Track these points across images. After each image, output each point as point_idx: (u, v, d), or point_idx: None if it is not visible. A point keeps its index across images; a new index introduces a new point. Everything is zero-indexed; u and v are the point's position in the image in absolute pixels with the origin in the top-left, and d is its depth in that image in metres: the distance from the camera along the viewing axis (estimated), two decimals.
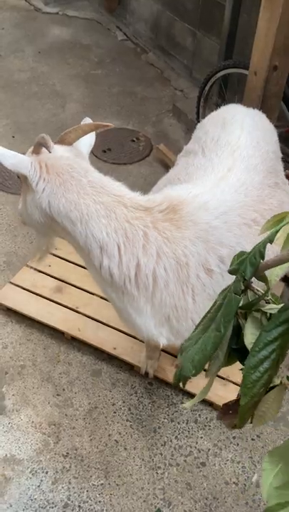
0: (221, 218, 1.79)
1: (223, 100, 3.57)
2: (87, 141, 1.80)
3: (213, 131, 2.19)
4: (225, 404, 0.89)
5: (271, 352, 0.78)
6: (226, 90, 3.61)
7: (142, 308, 1.76)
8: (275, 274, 0.88)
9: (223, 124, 2.20)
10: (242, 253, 0.85)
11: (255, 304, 0.87)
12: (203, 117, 2.82)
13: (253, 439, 2.29)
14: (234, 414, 0.88)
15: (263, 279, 0.88)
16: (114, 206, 1.65)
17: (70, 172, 1.65)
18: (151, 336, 1.85)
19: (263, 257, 0.83)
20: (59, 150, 1.70)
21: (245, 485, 2.14)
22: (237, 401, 0.87)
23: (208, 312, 0.88)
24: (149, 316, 1.78)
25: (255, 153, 2.05)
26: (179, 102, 4.32)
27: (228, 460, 2.21)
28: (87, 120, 1.85)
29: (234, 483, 2.15)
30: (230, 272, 0.86)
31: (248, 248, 0.86)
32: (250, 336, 0.85)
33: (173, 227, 1.70)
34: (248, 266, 0.83)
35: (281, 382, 0.84)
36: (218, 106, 3.17)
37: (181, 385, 0.93)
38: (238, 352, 0.88)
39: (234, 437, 2.29)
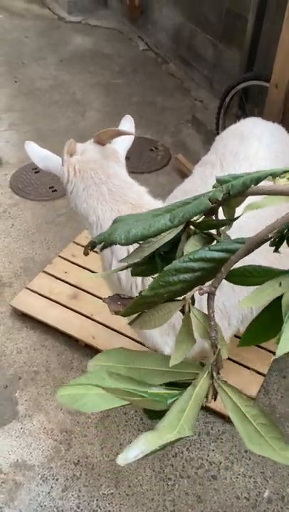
0: (236, 233, 1.78)
1: (243, 112, 3.58)
2: (125, 140, 1.84)
3: (231, 144, 2.20)
4: (117, 294, 0.84)
5: (200, 269, 0.75)
6: (247, 102, 3.62)
7: None
8: (253, 207, 0.87)
9: (241, 137, 2.21)
10: (239, 175, 0.81)
11: (214, 226, 0.83)
12: (223, 128, 2.83)
13: None
14: (122, 306, 0.83)
15: (230, 207, 0.84)
16: None
17: (92, 178, 1.70)
18: (156, 345, 1.86)
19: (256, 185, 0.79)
20: (91, 151, 1.74)
21: (256, 500, 2.12)
22: (130, 298, 0.83)
23: (169, 205, 0.83)
24: None
25: (273, 167, 2.05)
26: (199, 113, 4.34)
27: (239, 474, 2.19)
28: (128, 117, 1.91)
29: (245, 498, 2.12)
30: (218, 181, 0.82)
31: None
32: (189, 247, 0.81)
33: None
34: (240, 183, 0.79)
35: (184, 308, 0.80)
36: (238, 117, 3.18)
37: (88, 250, 0.89)
38: (163, 260, 0.83)
39: (246, 451, 2.26)
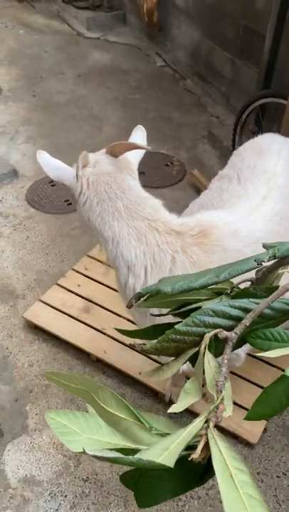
0: (252, 247, 1.76)
1: (259, 128, 3.57)
2: (138, 151, 1.80)
3: (249, 158, 2.18)
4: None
5: (236, 318, 0.77)
6: (263, 119, 3.61)
7: None
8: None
9: (259, 152, 2.19)
10: (286, 242, 0.84)
11: (251, 295, 0.85)
12: (239, 145, 2.82)
13: (278, 476, 2.21)
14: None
15: (269, 277, 0.86)
16: (146, 231, 1.66)
17: (107, 192, 1.67)
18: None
19: None
20: (104, 163, 1.71)
21: None
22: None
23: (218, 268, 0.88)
24: None
25: None
26: (215, 129, 4.35)
27: None
28: (140, 127, 1.88)
29: None
30: (264, 246, 0.84)
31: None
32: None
33: (201, 252, 1.69)
34: (286, 248, 0.81)
35: (199, 350, 0.79)
36: (254, 134, 3.17)
37: (133, 302, 0.91)
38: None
39: (258, 473, 2.21)
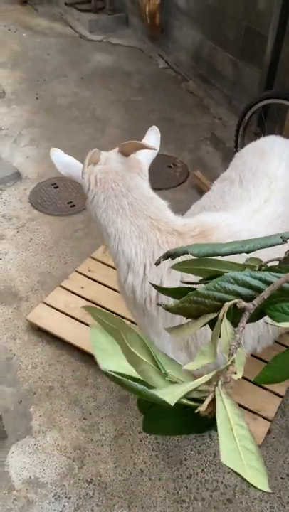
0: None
1: (262, 130, 3.57)
2: (149, 151, 1.81)
3: (251, 161, 2.18)
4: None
5: (255, 288, 0.82)
6: (266, 120, 3.61)
7: (160, 331, 1.77)
8: None
9: (261, 154, 2.19)
10: None
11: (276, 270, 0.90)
12: (242, 146, 2.82)
13: (282, 478, 2.20)
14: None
15: None
16: (148, 230, 1.68)
17: (113, 189, 1.69)
18: None
19: None
20: (114, 161, 1.73)
21: None
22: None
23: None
24: (167, 340, 1.79)
25: None
26: (218, 130, 4.35)
27: (255, 498, 2.14)
28: (154, 129, 1.89)
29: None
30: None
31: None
32: None
33: None
34: None
35: (218, 317, 0.84)
36: (257, 135, 3.18)
37: (160, 260, 0.99)
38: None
39: None
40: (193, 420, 0.76)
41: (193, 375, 0.80)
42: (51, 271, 3.12)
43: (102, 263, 2.99)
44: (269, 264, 0.92)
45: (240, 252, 0.91)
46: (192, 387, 0.71)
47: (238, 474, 0.62)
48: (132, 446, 2.28)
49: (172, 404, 0.67)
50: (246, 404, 2.25)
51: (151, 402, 0.76)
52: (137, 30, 6.01)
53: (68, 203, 3.64)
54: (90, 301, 2.79)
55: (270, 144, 2.27)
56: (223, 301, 0.83)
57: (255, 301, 0.80)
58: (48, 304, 2.76)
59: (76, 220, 3.51)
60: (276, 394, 2.39)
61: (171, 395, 0.69)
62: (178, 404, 0.73)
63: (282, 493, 2.16)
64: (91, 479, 2.17)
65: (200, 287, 0.83)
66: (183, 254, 0.94)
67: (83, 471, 2.19)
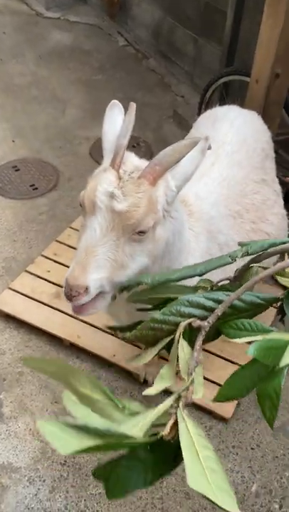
0: (215, 208, 1.87)
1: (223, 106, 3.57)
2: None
3: (204, 128, 2.25)
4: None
5: (209, 309, 0.83)
6: (227, 97, 3.61)
7: None
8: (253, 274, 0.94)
9: (214, 120, 2.26)
10: (259, 241, 0.93)
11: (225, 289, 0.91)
12: None
13: (252, 449, 2.27)
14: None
15: (245, 274, 0.93)
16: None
17: None
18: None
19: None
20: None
21: (244, 495, 2.12)
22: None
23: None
24: None
25: (240, 150, 2.11)
26: (180, 108, 4.33)
27: (227, 469, 2.19)
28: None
29: (233, 492, 2.12)
30: (240, 244, 0.94)
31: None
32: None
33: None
34: (258, 245, 0.90)
35: (174, 338, 0.85)
36: None
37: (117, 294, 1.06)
38: None
39: (233, 447, 2.27)
40: (155, 464, 0.73)
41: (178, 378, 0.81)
42: (16, 256, 3.07)
43: (68, 246, 2.95)
44: (220, 284, 0.94)
45: (193, 276, 0.91)
46: (155, 416, 0.69)
47: (207, 498, 0.62)
48: None
49: (141, 436, 0.64)
50: (215, 378, 2.29)
51: (110, 468, 0.73)
52: (96, 7, 5.87)
53: (31, 186, 3.57)
54: (57, 285, 2.76)
55: (225, 110, 2.32)
56: (178, 324, 0.84)
57: (209, 319, 0.80)
58: (14, 290, 2.72)
59: (39, 203, 3.45)
60: None
61: (136, 427, 0.67)
62: (134, 453, 0.70)
63: (252, 462, 2.22)
64: (65, 461, 2.18)
65: (156, 314, 0.83)
66: (137, 284, 0.96)
67: (56, 454, 2.19)
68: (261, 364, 0.78)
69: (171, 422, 0.68)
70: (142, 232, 1.36)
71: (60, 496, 2.07)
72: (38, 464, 2.16)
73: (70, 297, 1.33)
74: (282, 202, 2.35)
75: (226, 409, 2.31)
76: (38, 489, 2.09)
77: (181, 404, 0.71)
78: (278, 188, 2.36)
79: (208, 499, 0.61)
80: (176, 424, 0.69)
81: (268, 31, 2.56)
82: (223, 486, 0.64)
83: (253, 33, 3.02)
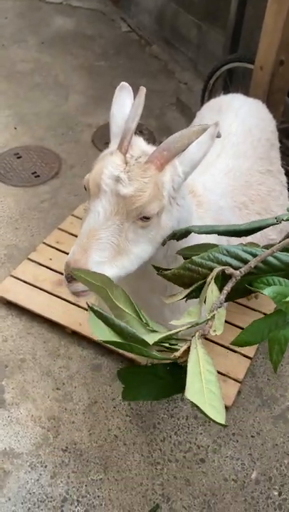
0: (223, 199, 1.87)
1: (227, 94, 3.54)
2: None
3: (209, 117, 2.23)
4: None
5: (244, 260, 0.91)
6: (231, 84, 3.58)
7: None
8: None
9: (219, 110, 2.24)
10: None
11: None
12: None
13: (252, 436, 2.28)
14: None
15: None
16: None
17: None
18: (165, 320, 1.87)
19: None
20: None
21: (244, 482, 2.14)
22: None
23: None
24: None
25: (245, 140, 2.09)
26: (183, 95, 4.29)
27: (227, 457, 2.21)
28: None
29: (233, 480, 2.14)
30: (288, 209, 1.02)
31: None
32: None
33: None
34: None
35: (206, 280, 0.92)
36: None
37: (166, 240, 1.28)
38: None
39: (234, 434, 2.28)
40: (169, 383, 0.83)
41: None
42: (18, 243, 3.07)
43: (71, 234, 2.95)
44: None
45: (237, 231, 0.97)
46: (171, 333, 0.78)
47: (198, 408, 0.66)
48: (106, 413, 2.31)
49: (151, 343, 0.74)
50: (217, 367, 2.29)
51: (131, 371, 0.84)
52: None
53: (32, 174, 3.56)
54: (59, 273, 2.76)
55: (229, 100, 2.30)
56: (210, 270, 0.92)
57: (242, 269, 0.86)
58: (16, 277, 2.73)
59: (41, 191, 3.44)
60: (245, 356, 2.45)
61: (150, 336, 0.77)
62: (155, 368, 0.81)
63: (252, 450, 2.23)
64: (66, 447, 2.20)
65: (195, 257, 0.91)
66: (185, 232, 1.04)
67: (58, 440, 2.21)
68: (280, 315, 0.86)
69: (185, 347, 0.77)
70: (146, 218, 1.33)
71: (61, 482, 2.09)
72: (39, 449, 2.18)
73: (70, 279, 1.31)
74: (287, 193, 2.33)
75: (227, 396, 2.32)
76: (40, 475, 2.11)
77: (197, 334, 0.78)
78: (284, 178, 2.34)
79: (200, 411, 0.65)
80: (189, 350, 0.78)
81: (272, 17, 2.53)
82: (216, 405, 0.72)
83: (258, 19, 2.98)
